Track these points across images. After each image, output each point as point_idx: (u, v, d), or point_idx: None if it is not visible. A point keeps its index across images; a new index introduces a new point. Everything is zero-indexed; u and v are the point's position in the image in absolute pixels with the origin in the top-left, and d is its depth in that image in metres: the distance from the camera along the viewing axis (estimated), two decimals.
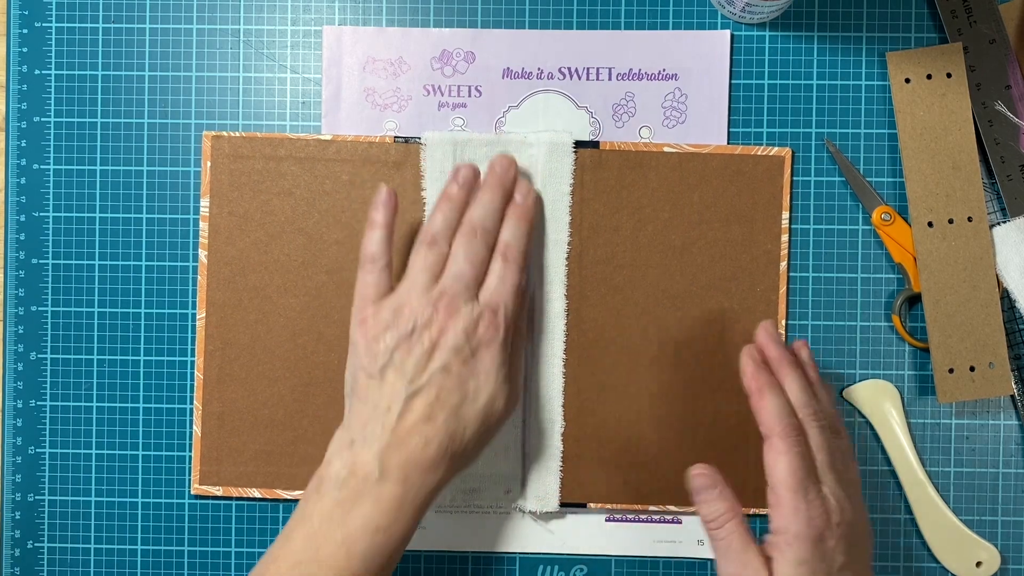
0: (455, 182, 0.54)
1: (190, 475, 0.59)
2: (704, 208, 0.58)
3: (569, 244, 0.58)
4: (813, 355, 0.55)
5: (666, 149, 0.58)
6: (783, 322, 0.58)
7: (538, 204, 0.57)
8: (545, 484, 0.58)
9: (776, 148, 0.58)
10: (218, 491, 0.59)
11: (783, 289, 0.58)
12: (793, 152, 0.58)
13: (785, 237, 0.58)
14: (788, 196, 0.58)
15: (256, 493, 0.59)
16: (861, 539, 0.50)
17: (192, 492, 0.59)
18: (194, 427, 0.59)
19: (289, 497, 0.59)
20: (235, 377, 0.59)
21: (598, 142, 0.58)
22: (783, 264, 0.58)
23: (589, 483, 0.58)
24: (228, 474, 0.59)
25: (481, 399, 0.51)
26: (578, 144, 0.58)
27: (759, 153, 0.58)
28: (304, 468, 0.59)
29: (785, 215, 0.58)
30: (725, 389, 0.58)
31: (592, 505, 0.58)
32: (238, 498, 0.60)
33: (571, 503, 0.58)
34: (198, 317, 0.59)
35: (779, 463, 0.48)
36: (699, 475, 0.51)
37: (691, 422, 0.58)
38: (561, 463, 0.58)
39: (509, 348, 0.52)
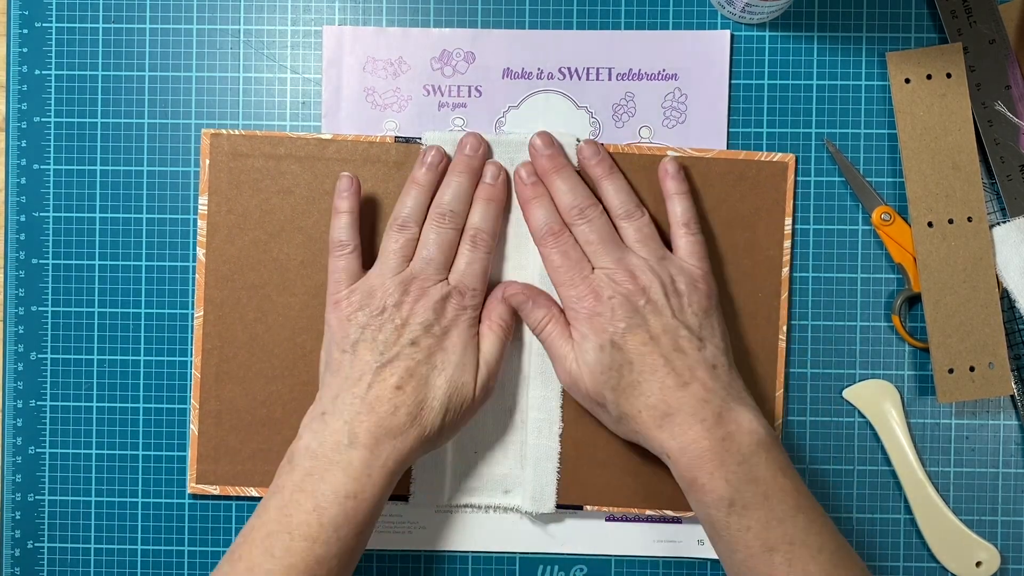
0: (422, 165, 0.56)
1: (189, 475, 0.59)
2: (707, 213, 0.58)
3: None
4: (597, 148, 0.57)
5: (669, 153, 0.58)
6: (783, 326, 0.58)
7: (508, 184, 0.58)
8: (542, 485, 0.58)
9: (780, 154, 0.58)
10: (215, 490, 0.59)
11: (785, 294, 0.58)
12: (796, 158, 0.58)
13: (788, 243, 0.58)
14: (791, 202, 0.58)
15: (254, 492, 0.59)
16: (686, 294, 0.53)
17: (189, 491, 0.59)
18: (191, 426, 0.59)
19: None
20: (233, 376, 0.59)
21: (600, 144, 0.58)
22: (785, 270, 0.58)
23: (586, 485, 0.58)
24: (225, 473, 0.59)
25: (448, 371, 0.53)
26: (580, 144, 0.58)
27: (763, 159, 0.58)
28: None
29: (788, 221, 0.58)
30: None
31: (588, 507, 0.58)
32: (236, 497, 0.60)
33: (568, 505, 0.58)
34: (196, 315, 0.59)
35: (545, 263, 0.55)
36: (513, 294, 0.56)
37: None
38: (559, 465, 0.58)
39: (476, 329, 0.55)
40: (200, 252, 0.58)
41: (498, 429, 0.59)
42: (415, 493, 0.58)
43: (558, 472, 0.58)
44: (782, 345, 0.58)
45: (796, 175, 0.58)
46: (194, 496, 0.59)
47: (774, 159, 0.58)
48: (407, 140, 0.58)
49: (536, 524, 0.59)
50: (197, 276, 0.59)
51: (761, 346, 0.58)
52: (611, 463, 0.58)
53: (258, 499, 0.59)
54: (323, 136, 0.58)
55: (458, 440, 0.59)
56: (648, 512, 0.58)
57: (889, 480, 0.59)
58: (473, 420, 0.58)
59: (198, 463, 0.59)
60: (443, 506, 0.59)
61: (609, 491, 0.58)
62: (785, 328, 0.58)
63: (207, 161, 0.58)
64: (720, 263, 0.58)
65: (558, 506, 0.58)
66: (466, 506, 0.59)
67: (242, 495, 0.59)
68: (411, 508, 0.59)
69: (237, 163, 0.58)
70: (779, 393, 0.58)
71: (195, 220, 0.60)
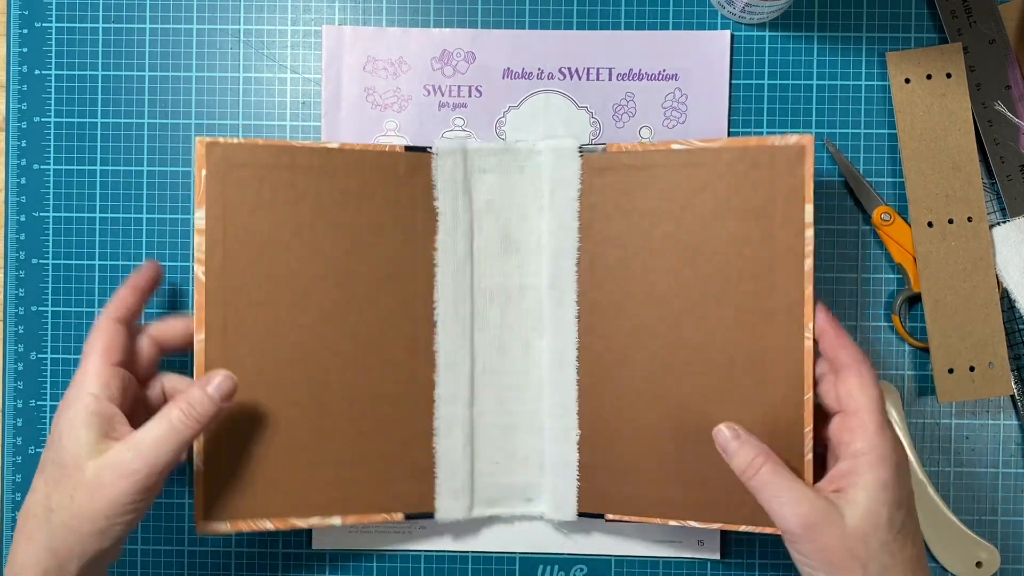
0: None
1: (190, 492, 0.59)
2: (718, 206, 0.53)
3: (579, 251, 0.56)
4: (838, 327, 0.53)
5: (674, 147, 0.54)
6: (809, 324, 0.52)
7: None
8: (563, 494, 0.57)
9: (796, 136, 0.52)
10: (226, 527, 0.54)
11: (809, 289, 0.52)
12: (814, 137, 0.52)
13: (810, 232, 0.52)
14: (811, 186, 0.52)
15: (269, 525, 0.54)
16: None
17: (197, 532, 0.53)
18: (195, 460, 0.54)
19: (304, 526, 0.55)
20: (239, 402, 0.53)
21: (604, 145, 0.56)
22: (808, 261, 0.52)
23: (607, 494, 0.56)
24: (237, 507, 0.54)
25: (49, 462, 0.49)
26: (584, 148, 0.56)
27: (776, 144, 0.52)
28: (324, 493, 0.55)
29: (808, 208, 0.52)
30: (743, 397, 0.53)
31: (610, 517, 0.56)
32: (249, 533, 0.58)
33: (589, 513, 0.56)
34: (196, 340, 0.53)
35: (867, 387, 0.49)
36: (719, 431, 0.51)
37: (708, 432, 0.53)
38: (578, 472, 0.56)
39: (93, 407, 0.49)
40: (199, 270, 0.53)
41: (516, 438, 0.58)
42: (439, 509, 0.57)
43: (578, 480, 0.56)
44: (808, 345, 0.52)
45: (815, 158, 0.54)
46: (203, 535, 0.54)
47: (789, 143, 0.52)
48: (417, 149, 0.56)
49: (535, 524, 0.59)
50: (196, 296, 0.53)
51: (784, 347, 0.52)
52: (631, 472, 0.55)
53: (274, 532, 0.59)
54: (330, 145, 0.55)
55: (478, 452, 0.57)
56: (672, 523, 0.54)
57: None
58: (493, 428, 0.57)
59: (205, 499, 0.53)
60: (468, 520, 0.57)
61: (630, 500, 0.55)
62: (811, 326, 0.52)
63: (204, 172, 0.53)
64: (735, 259, 0.53)
65: (580, 514, 0.56)
66: (491, 518, 0.58)
67: (256, 529, 0.54)
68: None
69: (236, 174, 0.53)
70: (807, 397, 0.52)
71: (192, 221, 0.59)
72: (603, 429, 0.56)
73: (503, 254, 0.57)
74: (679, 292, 0.54)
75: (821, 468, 0.52)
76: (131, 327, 0.53)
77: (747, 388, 0.53)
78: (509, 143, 0.58)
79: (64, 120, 0.60)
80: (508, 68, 0.59)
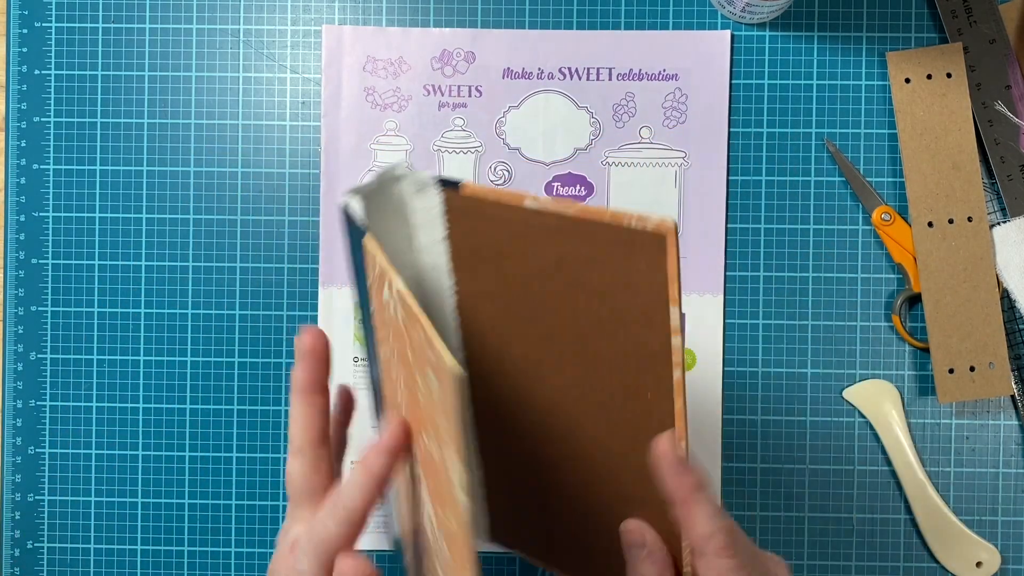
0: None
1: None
2: (577, 285, 0.40)
3: (456, 293, 0.46)
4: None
5: (527, 203, 0.40)
6: (682, 443, 0.40)
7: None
8: (480, 517, 0.53)
9: (657, 219, 0.36)
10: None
11: (680, 402, 0.39)
12: (676, 227, 0.36)
13: (678, 340, 0.38)
14: (676, 285, 0.37)
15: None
16: None
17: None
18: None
19: None
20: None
21: (458, 182, 0.42)
22: (678, 373, 0.38)
23: (507, 524, 0.52)
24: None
25: None
26: (444, 183, 0.43)
27: (633, 226, 0.36)
28: None
29: (675, 311, 0.37)
30: (624, 508, 0.44)
31: (514, 550, 0.52)
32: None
33: (499, 542, 0.53)
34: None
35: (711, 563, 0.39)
36: (627, 531, 0.43)
37: (598, 515, 0.45)
38: (487, 504, 0.52)
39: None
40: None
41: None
42: None
43: (487, 506, 0.52)
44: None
45: (679, 248, 0.37)
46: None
47: (648, 227, 0.36)
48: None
49: None
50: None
51: (652, 472, 0.40)
52: (527, 513, 0.50)
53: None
54: None
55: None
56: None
57: (889, 480, 0.59)
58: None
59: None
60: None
61: (535, 544, 0.51)
62: (684, 444, 0.40)
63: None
64: (600, 351, 0.41)
65: (492, 539, 0.53)
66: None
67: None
68: None
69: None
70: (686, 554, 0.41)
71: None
72: (503, 472, 0.50)
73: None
74: (553, 370, 0.44)
75: None
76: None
77: (626, 503, 0.44)
78: (377, 168, 0.47)
79: (64, 120, 0.60)
80: (508, 68, 0.59)
